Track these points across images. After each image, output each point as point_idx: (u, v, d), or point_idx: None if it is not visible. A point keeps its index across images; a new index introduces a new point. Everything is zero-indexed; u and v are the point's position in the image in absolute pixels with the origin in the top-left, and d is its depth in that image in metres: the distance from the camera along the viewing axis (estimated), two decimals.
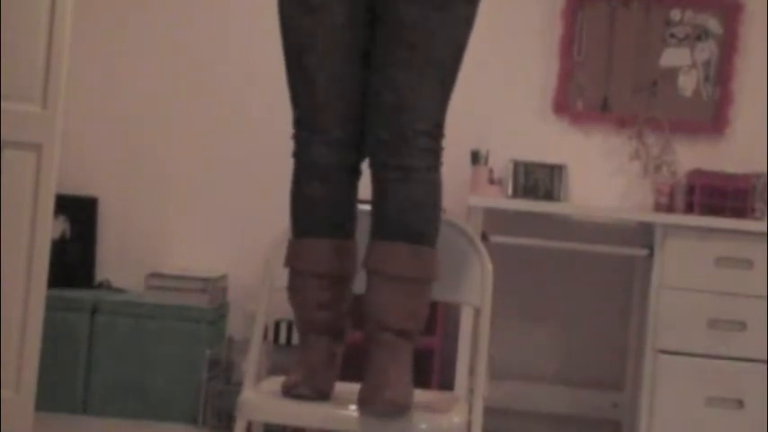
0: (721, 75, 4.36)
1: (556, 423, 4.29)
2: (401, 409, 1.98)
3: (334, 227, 2.17)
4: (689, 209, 4.04)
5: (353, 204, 2.21)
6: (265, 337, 2.32)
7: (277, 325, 4.10)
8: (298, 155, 2.18)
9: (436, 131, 2.11)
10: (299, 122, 2.18)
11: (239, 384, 2.26)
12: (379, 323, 2.08)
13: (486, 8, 2.29)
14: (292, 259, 2.19)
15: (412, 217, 2.11)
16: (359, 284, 2.20)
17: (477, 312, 2.34)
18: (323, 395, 2.11)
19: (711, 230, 3.82)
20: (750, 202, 3.97)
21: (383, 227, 2.11)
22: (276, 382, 2.19)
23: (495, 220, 4.02)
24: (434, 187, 2.13)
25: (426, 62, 2.08)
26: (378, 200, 2.12)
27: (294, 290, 2.19)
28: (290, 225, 2.22)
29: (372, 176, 2.13)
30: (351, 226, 2.21)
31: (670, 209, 4.12)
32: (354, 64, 2.12)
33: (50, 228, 3.56)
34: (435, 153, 2.12)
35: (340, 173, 2.16)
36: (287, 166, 2.27)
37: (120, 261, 4.44)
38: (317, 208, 2.17)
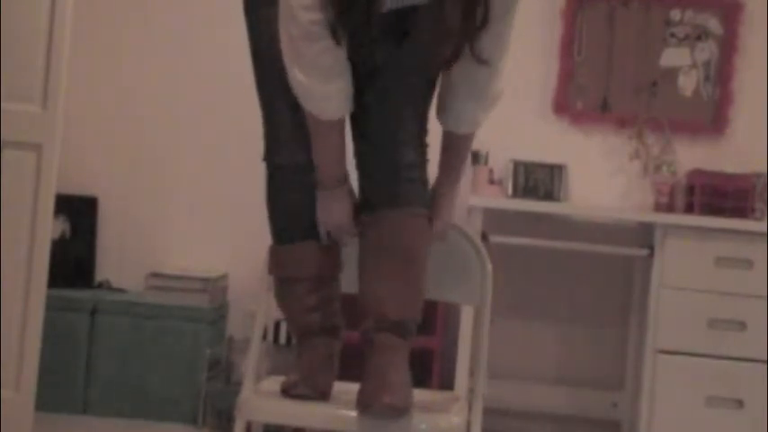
0: (721, 75, 4.35)
1: (556, 423, 4.28)
2: (401, 413, 1.98)
3: (312, 227, 2.14)
4: (689, 209, 4.04)
5: None
6: (265, 337, 2.31)
7: (277, 325, 4.10)
8: (268, 158, 2.16)
9: (419, 141, 2.13)
10: (266, 124, 2.17)
11: (239, 384, 2.25)
12: (377, 317, 2.05)
13: None
14: (275, 266, 2.17)
15: (399, 184, 2.09)
16: (351, 284, 2.19)
17: (477, 312, 2.34)
18: (322, 395, 2.11)
19: (711, 230, 3.82)
20: (750, 202, 3.97)
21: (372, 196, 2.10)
22: (276, 382, 2.19)
23: (495, 220, 4.02)
24: (422, 184, 2.14)
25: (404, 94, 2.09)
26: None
27: (281, 296, 2.17)
28: (270, 231, 2.20)
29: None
30: None
31: (670, 209, 4.12)
32: None
33: (50, 228, 3.56)
34: (422, 150, 2.13)
35: (311, 172, 2.12)
36: None
37: (120, 261, 4.43)
38: (292, 210, 2.14)
